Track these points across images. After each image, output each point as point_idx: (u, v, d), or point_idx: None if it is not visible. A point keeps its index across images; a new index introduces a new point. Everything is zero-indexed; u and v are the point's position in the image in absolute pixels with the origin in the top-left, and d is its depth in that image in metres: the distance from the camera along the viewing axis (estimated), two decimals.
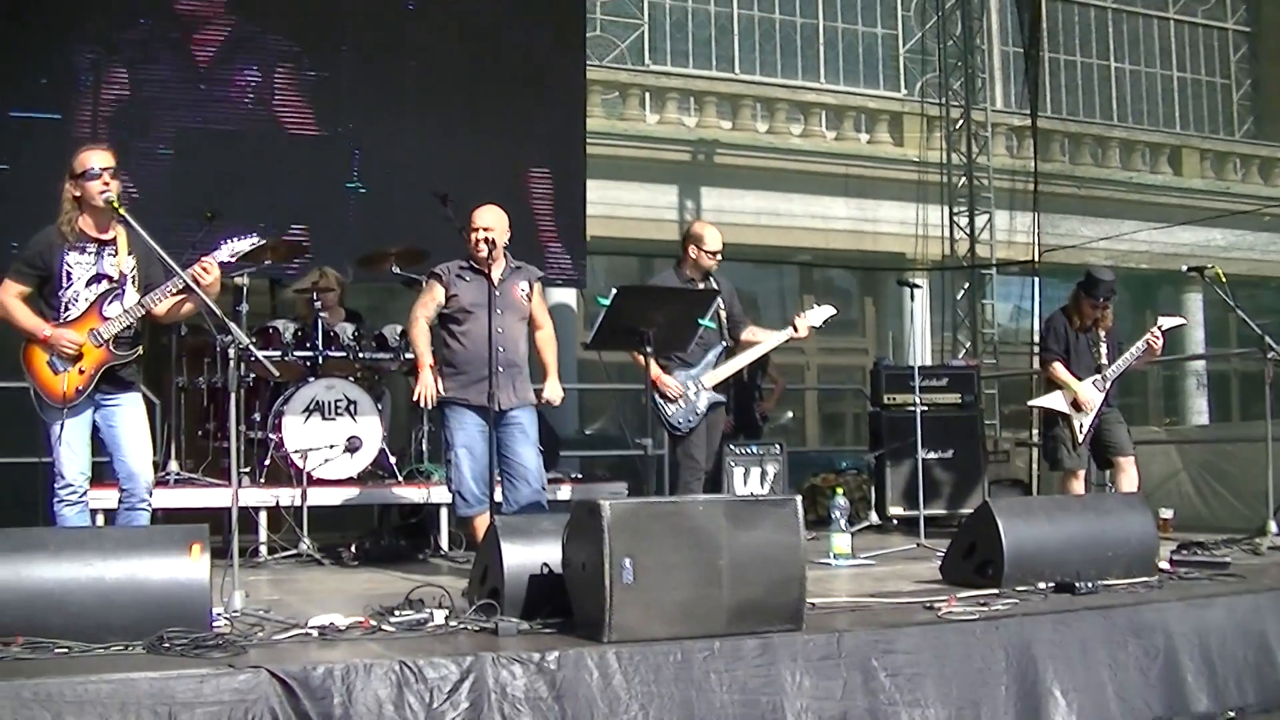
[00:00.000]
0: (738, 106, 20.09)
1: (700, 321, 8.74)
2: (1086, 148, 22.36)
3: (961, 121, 19.08)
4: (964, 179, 18.95)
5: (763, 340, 9.79)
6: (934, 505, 11.97)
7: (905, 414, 11.93)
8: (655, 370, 9.10)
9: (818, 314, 9.79)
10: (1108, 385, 10.30)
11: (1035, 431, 13.24)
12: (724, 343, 9.69)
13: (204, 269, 7.12)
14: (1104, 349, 10.39)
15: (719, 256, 9.76)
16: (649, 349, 8.20)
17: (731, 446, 11.44)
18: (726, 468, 11.26)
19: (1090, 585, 7.11)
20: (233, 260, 7.51)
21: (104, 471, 7.63)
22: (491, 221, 8.68)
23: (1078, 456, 10.33)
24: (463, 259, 8.83)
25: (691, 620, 5.78)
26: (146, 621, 5.47)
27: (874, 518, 12.55)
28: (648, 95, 19.63)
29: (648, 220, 17.23)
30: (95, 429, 7.39)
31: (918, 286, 11.22)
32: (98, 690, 4.82)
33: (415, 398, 8.73)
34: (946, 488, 12.62)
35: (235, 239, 7.45)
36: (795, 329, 9.65)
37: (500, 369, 8.44)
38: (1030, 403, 10.76)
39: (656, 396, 9.27)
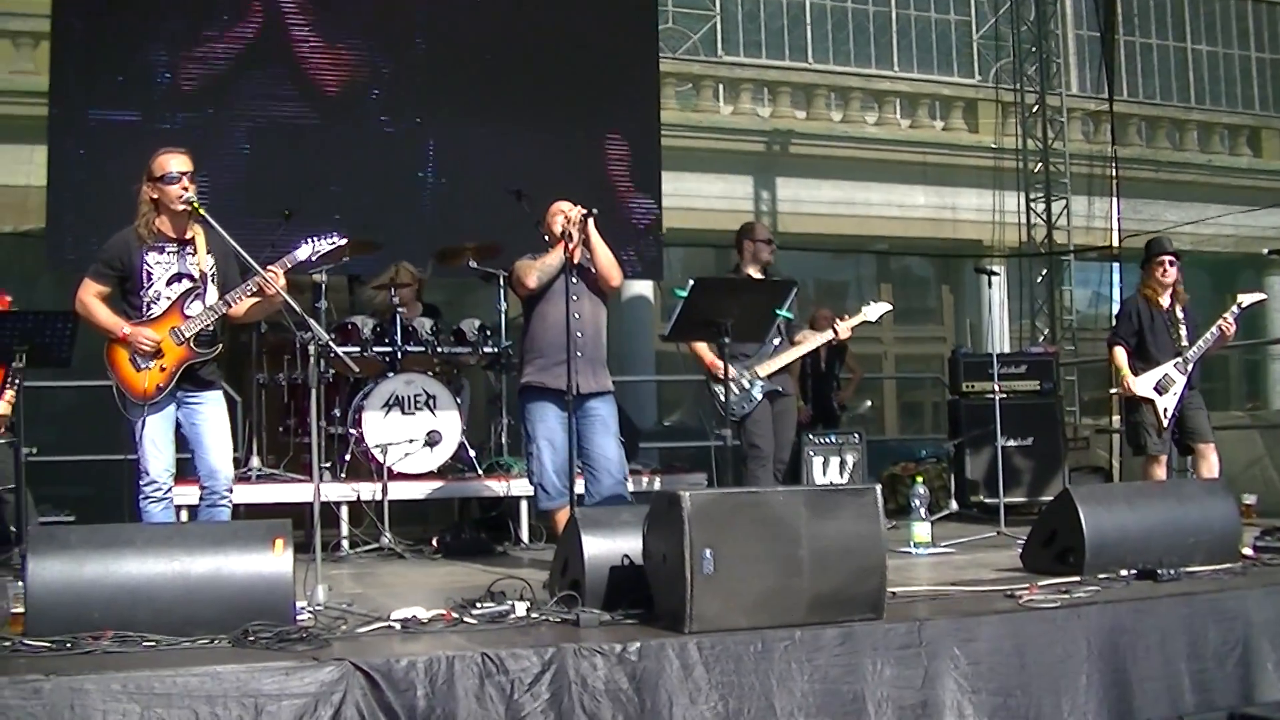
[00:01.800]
0: (812, 96, 20.00)
1: (778, 311, 8.73)
2: (1164, 131, 22.10)
3: (1037, 107, 18.95)
4: (1040, 165, 18.82)
5: (809, 340, 9.80)
6: (1014, 493, 11.88)
7: (984, 401, 11.87)
8: (709, 355, 9.12)
9: (873, 310, 9.76)
10: (1188, 368, 10.16)
11: (1115, 418, 13.11)
12: (780, 335, 9.67)
13: (271, 277, 7.20)
14: (1183, 331, 10.24)
15: (773, 245, 9.75)
16: (727, 340, 8.21)
17: (810, 436, 11.42)
18: (805, 457, 11.25)
19: (1172, 572, 7.04)
20: (313, 259, 7.57)
21: (186, 468, 7.71)
22: (574, 210, 8.63)
23: (1161, 442, 10.20)
24: (542, 251, 8.81)
25: (772, 610, 5.78)
26: (231, 615, 5.51)
27: (954, 506, 12.50)
28: (721, 86, 19.57)
29: (723, 211, 17.13)
30: (178, 426, 7.47)
31: (995, 273, 11.13)
32: (185, 683, 4.87)
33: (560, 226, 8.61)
34: (1026, 475, 12.54)
35: (316, 239, 7.53)
36: (835, 332, 9.65)
37: (579, 354, 8.39)
38: (1114, 389, 10.64)
39: (711, 384, 9.29)
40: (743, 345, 9.19)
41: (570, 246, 8.41)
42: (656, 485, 10.83)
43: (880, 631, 5.87)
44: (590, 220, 8.46)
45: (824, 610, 5.86)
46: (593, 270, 8.66)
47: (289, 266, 7.40)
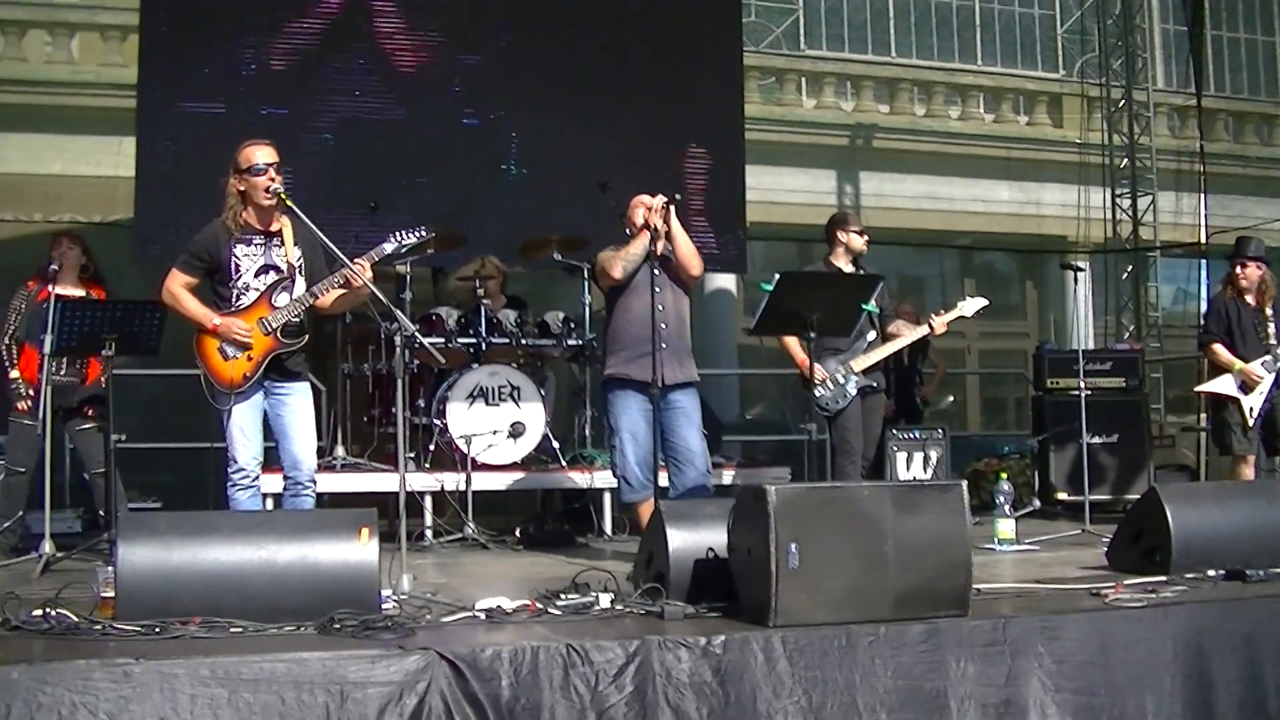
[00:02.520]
0: (895, 90, 19.91)
1: (864, 306, 8.68)
2: (1252, 126, 21.83)
3: (1123, 101, 18.78)
4: (1126, 160, 18.64)
5: (904, 335, 9.70)
6: (1099, 490, 11.77)
7: (1068, 398, 11.76)
8: (800, 354, 9.07)
9: (970, 305, 9.67)
10: (1277, 365, 10.04)
11: (1202, 416, 12.97)
12: (874, 330, 9.60)
13: (357, 270, 7.23)
14: (1271, 329, 10.12)
15: (866, 235, 9.69)
16: (812, 334, 8.16)
17: (894, 431, 11.35)
18: (889, 453, 11.18)
19: (1261, 573, 6.92)
20: (399, 252, 7.61)
21: (270, 457, 7.76)
22: (649, 202, 8.59)
23: (1248, 441, 10.08)
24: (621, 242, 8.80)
25: (856, 605, 5.74)
26: (317, 603, 5.54)
27: (1037, 503, 12.39)
28: (804, 80, 19.51)
29: (806, 205, 17.10)
30: (264, 416, 7.52)
31: (1080, 269, 11.03)
32: (273, 669, 4.90)
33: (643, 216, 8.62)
34: (1111, 473, 12.42)
35: (402, 233, 7.57)
36: (932, 328, 9.54)
37: (663, 346, 8.35)
38: (1199, 389, 10.53)
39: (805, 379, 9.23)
40: (829, 340, 9.11)
41: (654, 237, 8.39)
42: (726, 478, 10.78)
43: (965, 628, 5.82)
44: (671, 208, 8.44)
45: (909, 606, 5.80)
46: (674, 260, 8.64)
47: (375, 260, 7.44)
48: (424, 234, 7.62)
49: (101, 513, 8.96)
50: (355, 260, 7.26)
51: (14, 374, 9.05)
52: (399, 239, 7.55)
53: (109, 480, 8.71)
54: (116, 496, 8.74)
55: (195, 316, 7.43)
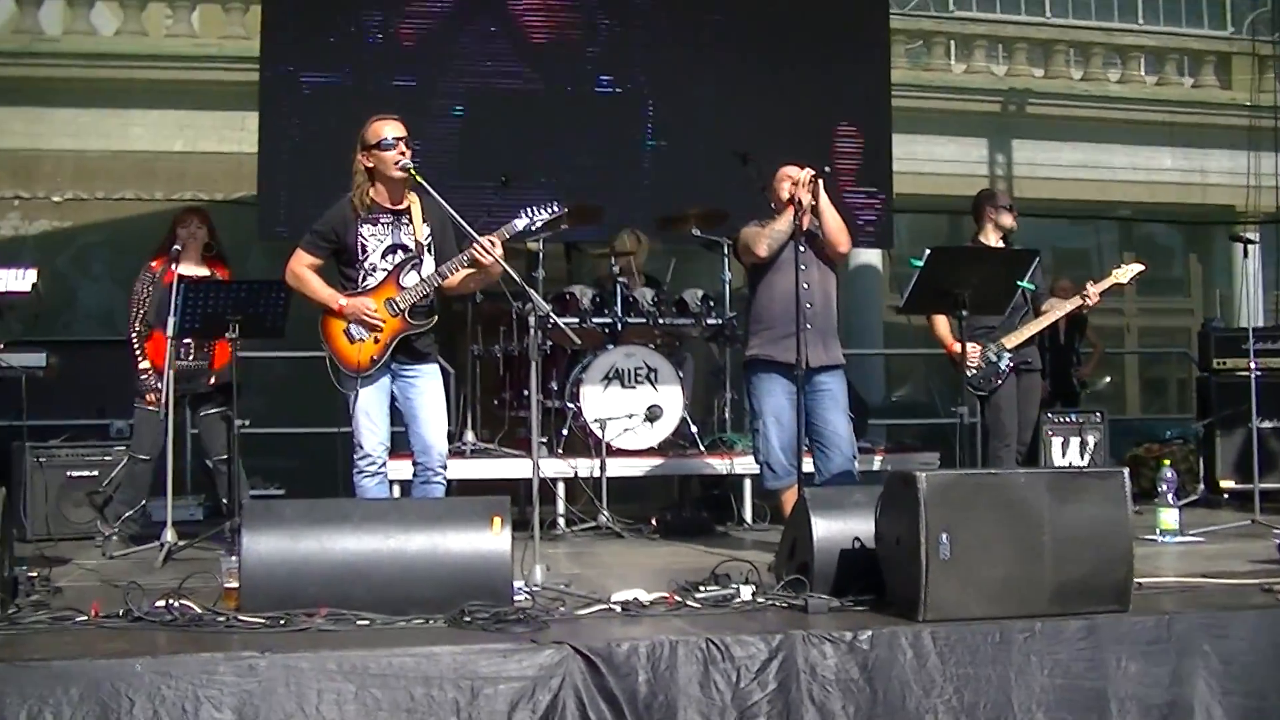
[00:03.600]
0: (1050, 53, 19.62)
1: (1020, 283, 8.55)
2: None
3: None
4: None
5: (1057, 308, 9.54)
6: (1269, 478, 11.51)
7: (1237, 379, 11.55)
8: (948, 336, 8.97)
9: (1126, 271, 9.49)
10: None
11: None
12: (1028, 305, 9.46)
13: (486, 248, 7.24)
14: None
15: (1015, 211, 9.56)
16: (964, 313, 8.07)
17: (1049, 415, 11.22)
18: (1044, 437, 11.07)
19: None
20: (532, 229, 7.61)
21: (399, 443, 7.81)
22: (797, 175, 8.52)
23: None
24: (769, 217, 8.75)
25: (1011, 599, 5.71)
26: (448, 595, 5.60)
27: (1202, 491, 12.19)
28: (953, 44, 19.28)
29: (956, 176, 16.89)
30: (392, 400, 7.57)
31: (1251, 241, 10.84)
32: (401, 664, 4.95)
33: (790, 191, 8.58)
34: None
35: (535, 208, 7.55)
36: (1087, 297, 9.35)
37: (808, 325, 8.29)
38: None
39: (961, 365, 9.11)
40: (981, 319, 9.00)
41: (800, 212, 8.34)
42: (873, 464, 10.72)
43: (1126, 625, 5.75)
44: (820, 182, 8.39)
45: (1066, 600, 5.76)
46: (821, 236, 8.59)
47: (507, 236, 7.44)
48: (557, 209, 7.61)
49: (225, 500, 9.04)
50: (486, 237, 7.27)
51: (144, 364, 9.10)
52: (531, 215, 7.54)
53: (231, 466, 8.81)
54: (239, 484, 8.84)
55: (321, 298, 7.50)
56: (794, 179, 8.48)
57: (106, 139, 14.91)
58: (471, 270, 7.44)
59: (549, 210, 7.57)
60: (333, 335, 7.47)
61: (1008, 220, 9.52)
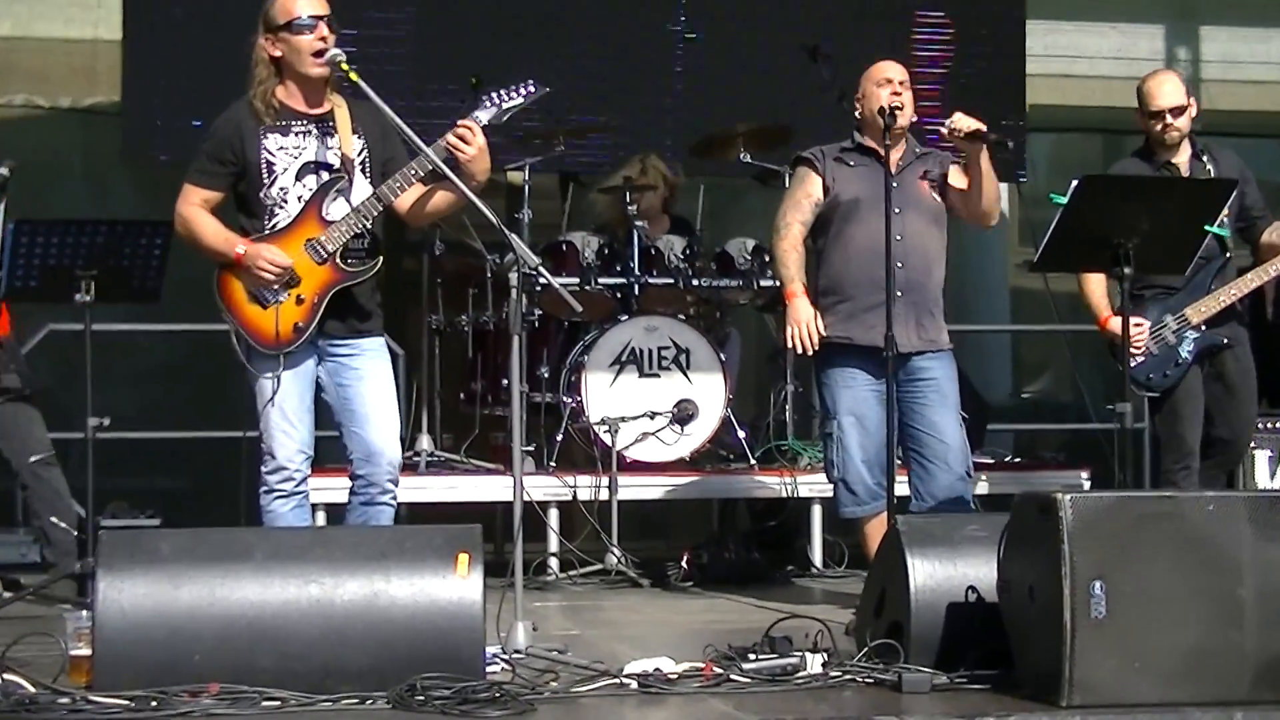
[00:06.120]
0: None
1: (1209, 229, 8.47)
2: None
3: None
4: None
5: (1269, 267, 9.36)
6: None
7: None
8: (1104, 302, 8.89)
9: None
10: None
11: None
12: (1223, 256, 9.36)
13: (462, 137, 7.17)
14: None
15: (1169, 119, 9.34)
16: (1127, 270, 7.98)
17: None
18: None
19: None
20: (501, 120, 7.51)
21: (329, 451, 7.77)
22: (902, 76, 8.54)
23: None
24: (845, 141, 8.73)
25: (1196, 678, 5.68)
26: (393, 664, 5.60)
27: None
28: None
29: (1118, 79, 16.80)
30: (318, 391, 7.52)
31: None
32: None
33: (788, 342, 8.62)
34: None
35: (503, 92, 7.44)
36: None
37: (900, 294, 8.25)
38: None
39: (1110, 343, 9.02)
40: (1154, 278, 8.92)
41: (901, 124, 8.34)
42: (993, 485, 10.67)
43: None
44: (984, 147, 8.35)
45: (1276, 682, 5.71)
46: (932, 180, 8.60)
47: (485, 122, 7.32)
48: (534, 88, 7.49)
49: (74, 532, 8.95)
50: (460, 124, 7.22)
51: None
52: (498, 100, 7.41)
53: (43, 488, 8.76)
54: (60, 503, 8.78)
55: (215, 247, 7.40)
56: (892, 80, 8.45)
57: None
58: (428, 188, 7.39)
59: (523, 92, 7.48)
60: (235, 298, 7.38)
61: (1158, 131, 9.32)
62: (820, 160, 8.68)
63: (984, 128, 8.26)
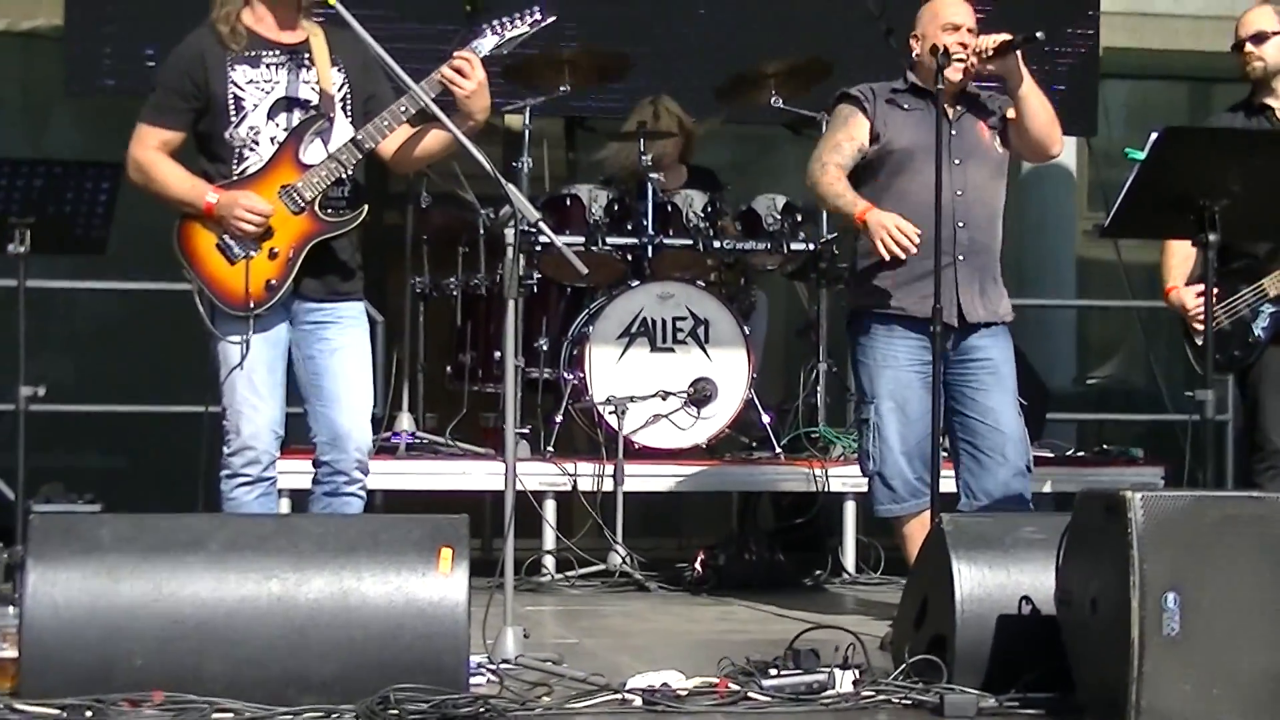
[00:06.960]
0: None
1: None
2: None
3: None
4: None
5: None
6: None
7: None
8: (1174, 274, 8.82)
9: None
10: None
11: None
12: None
13: (459, 69, 7.14)
14: None
15: (1248, 47, 9.26)
16: (1212, 237, 7.92)
17: None
18: None
19: None
20: (502, 51, 7.50)
21: (295, 431, 7.76)
22: (971, 21, 8.40)
23: None
24: (896, 81, 8.67)
25: None
26: (363, 672, 5.59)
27: None
28: None
29: (1205, 18, 16.82)
30: (289, 363, 7.50)
31: None
32: None
33: (883, 253, 8.19)
34: None
35: (505, 20, 7.43)
36: None
37: (962, 258, 8.25)
38: None
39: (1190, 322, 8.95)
40: (1245, 244, 8.86)
41: (951, 79, 8.26)
42: (1055, 483, 10.66)
43: None
44: (1019, 53, 8.25)
45: None
46: (993, 125, 8.55)
47: (484, 54, 7.31)
48: (540, 14, 7.46)
49: None
50: (456, 55, 7.20)
51: None
52: (501, 29, 7.42)
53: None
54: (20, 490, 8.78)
55: (179, 196, 7.34)
56: (957, 22, 8.36)
57: None
58: (417, 130, 7.36)
59: (528, 19, 7.45)
60: (199, 253, 7.31)
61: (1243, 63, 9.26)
62: (870, 100, 8.55)
63: (1009, 36, 8.15)
